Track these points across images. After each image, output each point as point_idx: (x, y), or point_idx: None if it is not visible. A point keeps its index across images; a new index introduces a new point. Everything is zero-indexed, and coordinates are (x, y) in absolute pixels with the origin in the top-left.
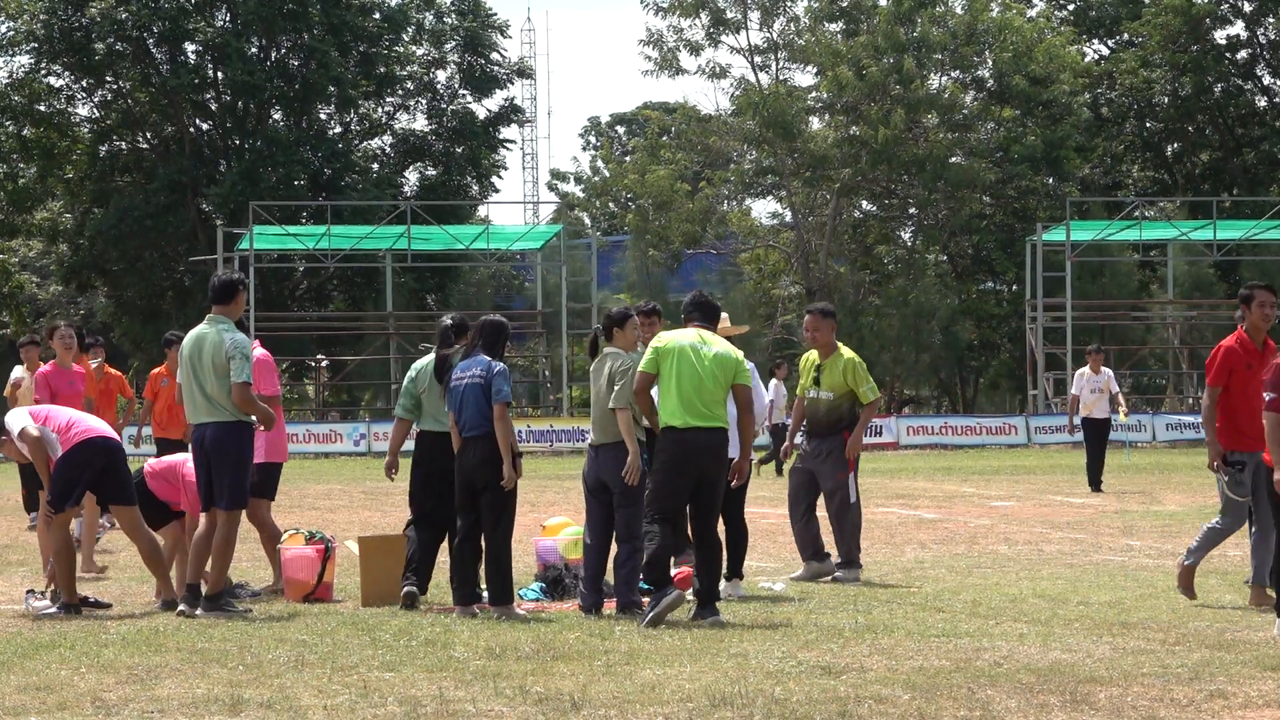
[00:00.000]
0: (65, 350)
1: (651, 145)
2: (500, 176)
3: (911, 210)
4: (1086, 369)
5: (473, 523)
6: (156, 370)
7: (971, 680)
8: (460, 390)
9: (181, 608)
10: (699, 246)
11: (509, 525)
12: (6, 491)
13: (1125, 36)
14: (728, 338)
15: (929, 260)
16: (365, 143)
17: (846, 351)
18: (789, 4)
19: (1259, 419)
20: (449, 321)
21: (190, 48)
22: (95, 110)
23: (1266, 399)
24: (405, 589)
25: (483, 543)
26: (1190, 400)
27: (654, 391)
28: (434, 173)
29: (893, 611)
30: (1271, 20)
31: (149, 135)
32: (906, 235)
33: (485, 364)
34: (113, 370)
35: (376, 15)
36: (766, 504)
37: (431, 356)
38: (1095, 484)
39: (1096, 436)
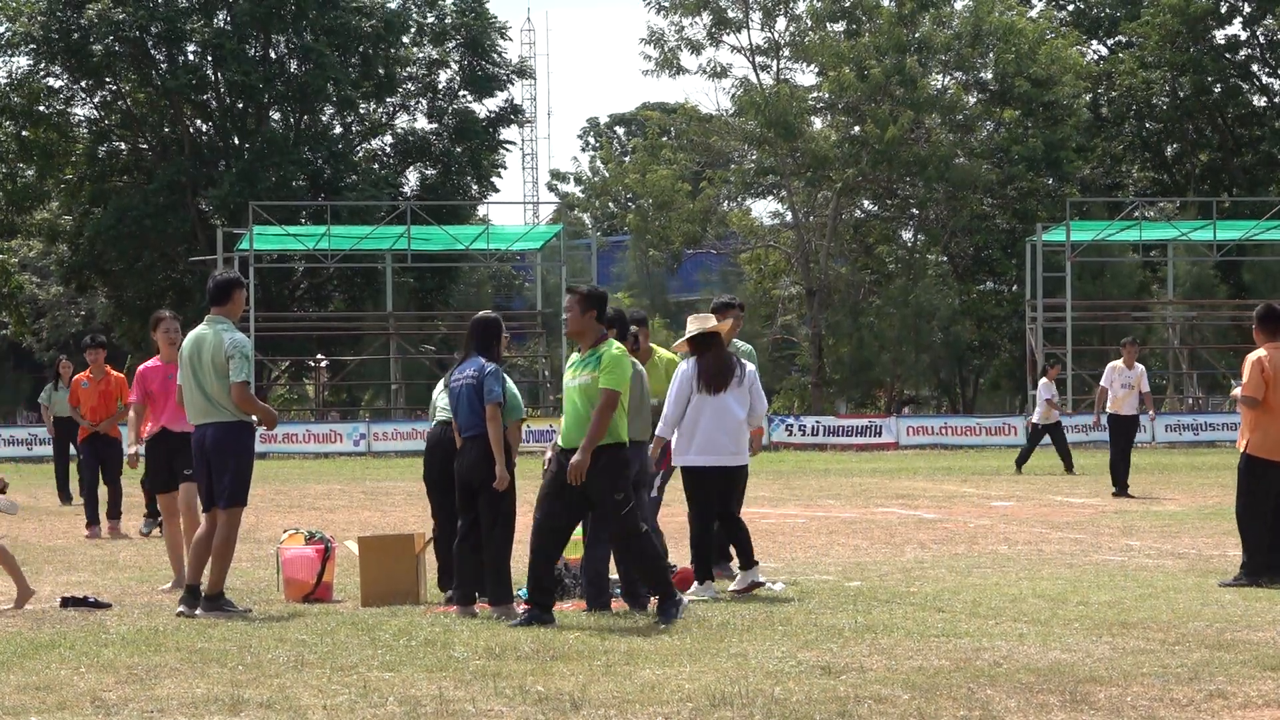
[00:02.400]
0: (169, 346)
1: (652, 145)
2: (500, 176)
3: (912, 210)
4: (1119, 362)
5: (472, 522)
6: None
7: (971, 680)
8: (457, 392)
9: (181, 608)
10: (699, 246)
11: (507, 525)
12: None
13: (1124, 37)
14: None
15: (929, 260)
16: (365, 143)
17: (664, 353)
18: (791, 4)
19: None
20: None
21: (189, 48)
22: (94, 111)
23: None
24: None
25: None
26: (1190, 400)
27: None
28: (434, 173)
29: (893, 611)
30: (1270, 20)
31: (148, 136)
32: (907, 235)
33: (479, 365)
34: (115, 372)
35: (374, 19)
36: (766, 504)
37: None
38: (1122, 486)
39: (1124, 434)
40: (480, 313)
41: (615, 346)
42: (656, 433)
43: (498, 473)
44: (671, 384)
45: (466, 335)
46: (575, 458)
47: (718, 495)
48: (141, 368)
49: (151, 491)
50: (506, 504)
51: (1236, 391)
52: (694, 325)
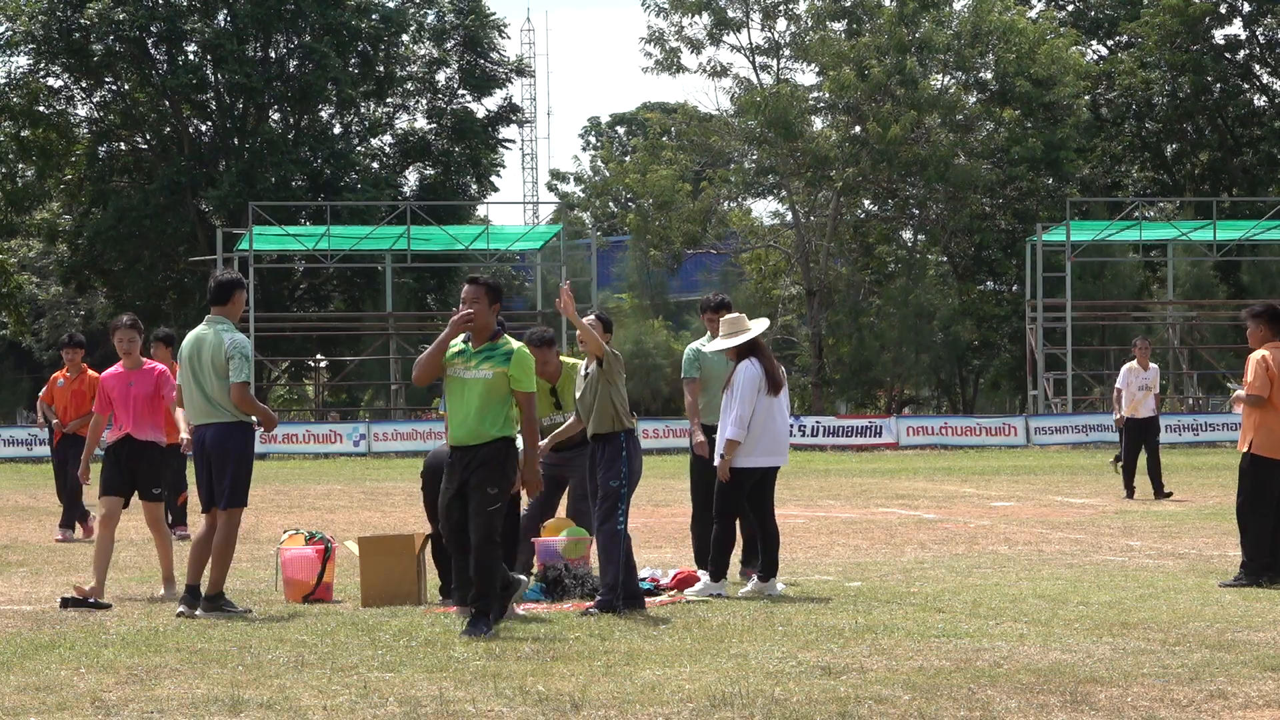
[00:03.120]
0: (125, 355)
1: (652, 145)
2: (499, 176)
3: (912, 210)
4: (1133, 363)
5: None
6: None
7: (971, 680)
8: None
9: (181, 608)
10: (699, 246)
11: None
12: (6, 491)
13: (1124, 37)
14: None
15: (929, 260)
16: (365, 143)
17: (571, 360)
18: (792, 4)
19: None
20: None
21: (189, 48)
22: (94, 111)
23: None
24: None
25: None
26: (1190, 400)
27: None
28: (433, 173)
29: (893, 611)
30: (1270, 20)
31: (148, 136)
32: (907, 235)
33: None
34: (93, 372)
35: (375, 16)
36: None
37: None
38: (1132, 490)
39: (1141, 438)
40: None
41: (516, 343)
42: (730, 435)
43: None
44: (740, 386)
45: None
46: (526, 473)
47: (755, 495)
48: (104, 375)
49: (101, 493)
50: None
51: (1240, 393)
52: (728, 329)
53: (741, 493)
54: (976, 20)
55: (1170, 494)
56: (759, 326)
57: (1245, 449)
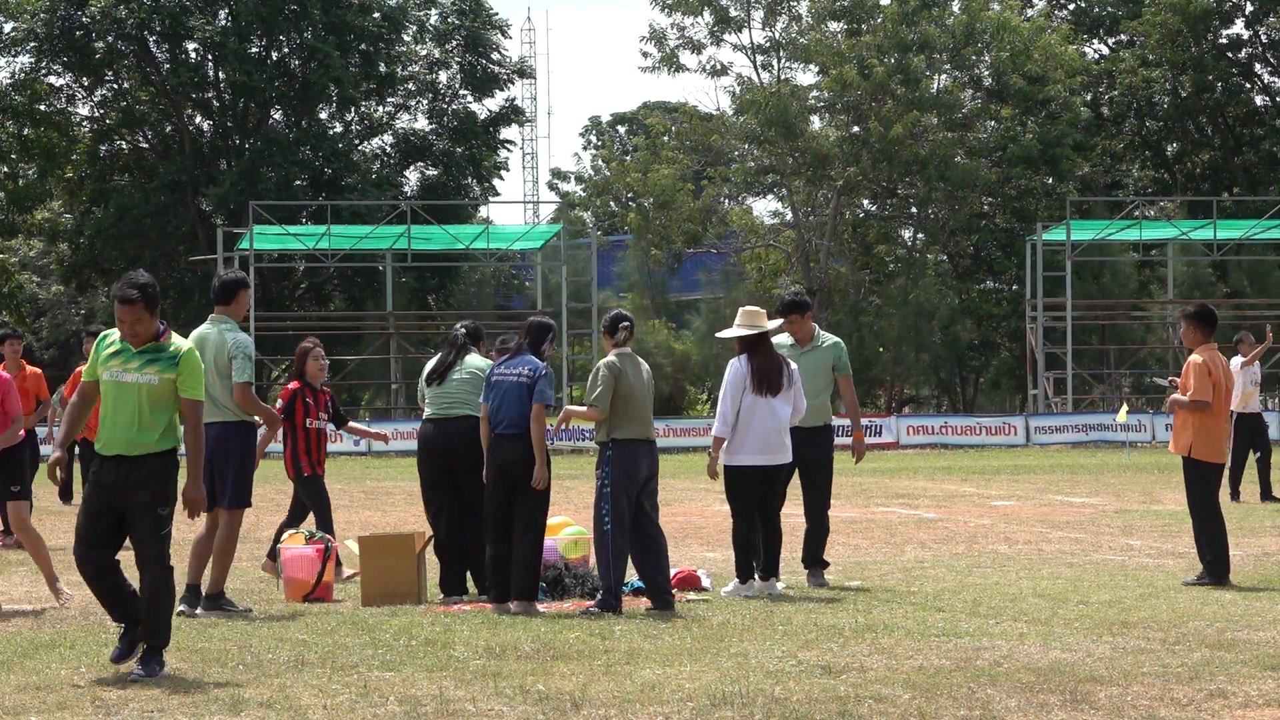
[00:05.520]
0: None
1: (653, 144)
2: (502, 178)
3: (912, 210)
4: (1239, 358)
5: (509, 522)
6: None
7: (971, 680)
8: (504, 388)
9: (181, 607)
10: (700, 246)
11: (542, 523)
12: None
13: (1125, 36)
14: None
15: (929, 260)
16: (366, 142)
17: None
18: (793, 3)
19: None
20: (462, 330)
21: (191, 47)
22: (95, 109)
23: None
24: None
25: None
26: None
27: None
28: (434, 173)
29: (893, 611)
30: (1273, 19)
31: (149, 134)
32: (907, 235)
33: (535, 366)
34: (31, 367)
35: (376, 14)
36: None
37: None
38: (1235, 491)
39: (1253, 435)
40: (534, 316)
41: (185, 343)
42: (714, 432)
43: (537, 473)
44: (723, 383)
45: (519, 332)
46: (188, 489)
47: (761, 495)
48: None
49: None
50: (544, 502)
51: (1176, 395)
52: (744, 320)
53: (744, 492)
54: (970, 19)
55: (1235, 495)
56: (769, 326)
57: (1185, 454)
